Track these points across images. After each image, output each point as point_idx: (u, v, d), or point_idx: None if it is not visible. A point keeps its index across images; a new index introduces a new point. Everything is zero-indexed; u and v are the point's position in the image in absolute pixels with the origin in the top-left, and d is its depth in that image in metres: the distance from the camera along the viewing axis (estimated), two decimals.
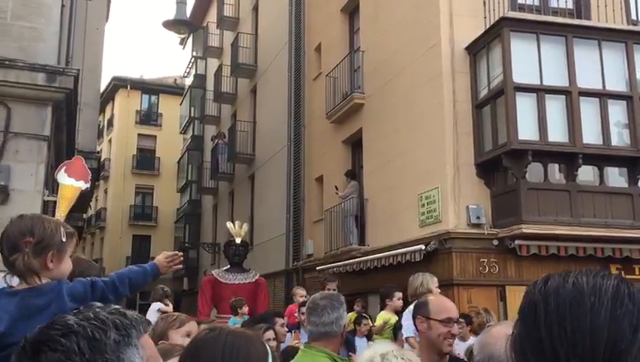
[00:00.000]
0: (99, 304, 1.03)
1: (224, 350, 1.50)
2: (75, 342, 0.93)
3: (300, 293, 8.47)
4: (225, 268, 10.87)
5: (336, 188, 13.62)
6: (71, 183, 6.39)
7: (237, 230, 11.05)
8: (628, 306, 0.89)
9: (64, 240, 2.35)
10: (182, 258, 2.87)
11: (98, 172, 16.41)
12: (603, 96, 10.01)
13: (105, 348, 0.93)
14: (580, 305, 0.90)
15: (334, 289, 7.46)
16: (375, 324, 7.49)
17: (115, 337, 0.95)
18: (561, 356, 0.89)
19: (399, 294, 7.32)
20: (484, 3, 10.55)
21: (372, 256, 11.89)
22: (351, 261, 12.70)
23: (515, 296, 9.21)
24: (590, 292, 0.91)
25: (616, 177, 10.28)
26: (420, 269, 10.37)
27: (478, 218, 9.97)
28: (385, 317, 7.25)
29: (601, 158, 9.93)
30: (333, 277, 8.50)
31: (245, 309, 8.07)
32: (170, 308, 8.51)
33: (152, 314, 7.98)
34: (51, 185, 7.72)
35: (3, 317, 2.20)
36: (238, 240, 10.84)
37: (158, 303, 8.59)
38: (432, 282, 5.74)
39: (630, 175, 10.11)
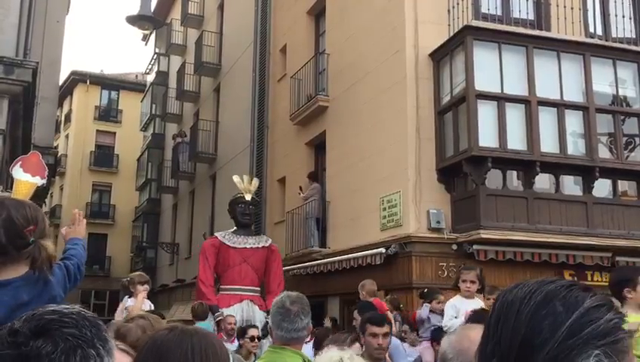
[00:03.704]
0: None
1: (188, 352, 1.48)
2: (79, 319, 1.00)
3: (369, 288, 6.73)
4: (232, 230, 9.22)
5: (300, 189, 13.60)
6: (27, 179, 6.20)
7: (246, 185, 9.36)
8: (556, 308, 0.96)
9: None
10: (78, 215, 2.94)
11: (54, 168, 15.98)
12: (560, 106, 10.27)
13: (101, 327, 1.01)
14: (512, 306, 1.00)
15: (472, 282, 5.96)
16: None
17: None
18: (488, 351, 1.00)
19: None
20: (449, 11, 10.71)
21: (332, 259, 11.92)
22: (311, 263, 12.71)
23: None
24: (524, 296, 1.00)
25: (571, 185, 10.57)
26: (380, 272, 10.50)
27: (438, 222, 10.10)
28: (634, 318, 4.43)
29: (557, 167, 10.18)
30: (473, 265, 6.68)
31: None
32: (139, 298, 6.47)
33: (120, 313, 6.54)
34: (5, 180, 7.49)
35: None
36: (247, 197, 9.18)
37: (129, 298, 6.79)
38: None
39: (585, 184, 10.39)
